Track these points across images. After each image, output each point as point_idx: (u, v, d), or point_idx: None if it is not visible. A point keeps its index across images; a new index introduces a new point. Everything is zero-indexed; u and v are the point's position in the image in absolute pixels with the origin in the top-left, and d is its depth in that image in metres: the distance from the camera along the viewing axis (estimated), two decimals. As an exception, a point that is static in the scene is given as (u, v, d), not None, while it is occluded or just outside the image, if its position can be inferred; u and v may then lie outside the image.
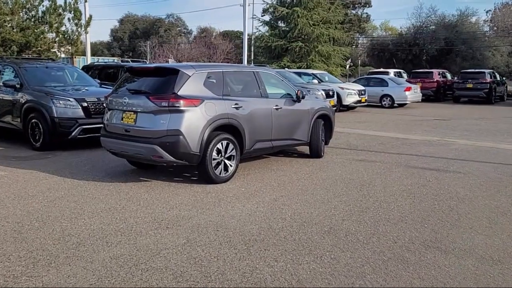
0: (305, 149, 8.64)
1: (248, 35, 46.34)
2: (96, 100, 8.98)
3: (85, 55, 20.16)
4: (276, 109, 7.27)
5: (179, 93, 5.90)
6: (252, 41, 36.10)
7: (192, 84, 6.10)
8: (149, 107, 5.91)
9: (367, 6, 56.48)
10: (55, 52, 14.96)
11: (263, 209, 5.21)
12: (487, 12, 50.29)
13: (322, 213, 5.10)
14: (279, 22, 33.85)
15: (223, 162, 6.38)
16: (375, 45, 52.54)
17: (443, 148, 9.73)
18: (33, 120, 8.88)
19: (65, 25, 13.58)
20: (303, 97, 7.76)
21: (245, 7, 22.93)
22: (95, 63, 13.86)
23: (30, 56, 12.50)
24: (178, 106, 5.83)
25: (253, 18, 34.18)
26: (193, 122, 5.93)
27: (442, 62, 43.51)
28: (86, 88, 10.04)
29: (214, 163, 6.23)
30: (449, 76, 25.82)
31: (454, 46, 43.40)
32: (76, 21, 13.56)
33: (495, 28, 48.14)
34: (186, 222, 4.75)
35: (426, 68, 35.48)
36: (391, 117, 16.76)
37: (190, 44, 52.14)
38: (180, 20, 70.13)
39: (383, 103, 20.35)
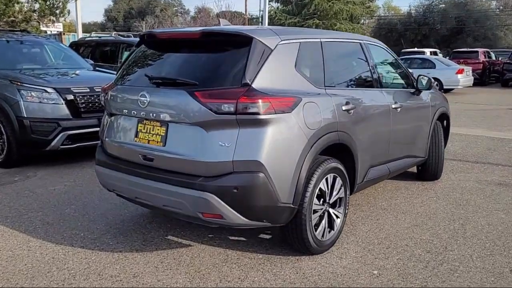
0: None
1: (249, 14, 42.69)
2: (88, 90, 5.93)
3: (75, 32, 16.79)
4: (395, 108, 4.25)
5: (254, 84, 2.87)
6: (260, 19, 32.84)
7: (276, 66, 3.07)
8: (194, 113, 2.88)
9: (373, -16, 53.02)
10: (43, 29, 11.81)
11: None
12: (493, -10, 48.38)
13: None
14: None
15: (326, 214, 3.39)
16: (382, 24, 50.20)
17: None
18: (-8, 122, 5.84)
19: (47, -10, 10.37)
20: (429, 88, 4.73)
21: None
22: (87, 39, 10.69)
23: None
24: (255, 113, 2.81)
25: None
26: (284, 144, 2.93)
27: (452, 42, 42.21)
28: (74, 72, 6.98)
29: (314, 218, 3.25)
30: (493, 56, 22.70)
31: (466, 25, 41.35)
32: (60, -16, 10.34)
33: (501, 7, 45.96)
34: None
35: (435, 48, 33.02)
36: (451, 106, 13.71)
37: (189, 24, 48.50)
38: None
39: (429, 88, 17.27)
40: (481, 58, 20.83)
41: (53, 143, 5.63)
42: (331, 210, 3.44)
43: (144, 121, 3.16)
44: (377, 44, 4.49)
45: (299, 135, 2.99)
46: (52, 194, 4.75)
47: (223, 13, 45.13)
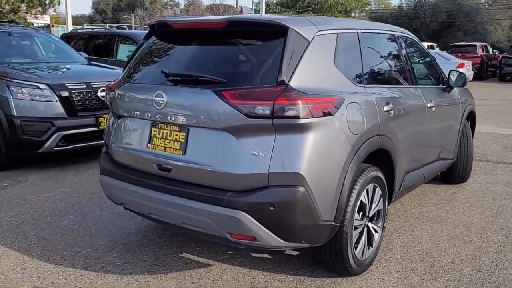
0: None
1: (240, 6, 41.89)
2: (85, 86, 5.45)
3: (64, 24, 16.05)
4: (431, 107, 3.85)
5: (292, 83, 2.43)
6: (253, 12, 32.30)
7: (315, 61, 2.64)
8: (221, 116, 2.44)
9: (364, -22, 52.78)
10: (30, 21, 11.17)
11: None
12: (483, -16, 48.75)
13: None
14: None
15: (366, 229, 2.98)
16: (374, 18, 50.31)
17: None
18: (-21, 122, 5.32)
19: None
20: (463, 85, 4.35)
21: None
22: (79, 31, 10.12)
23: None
24: (294, 116, 2.38)
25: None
26: (326, 153, 2.51)
27: (443, 36, 42.52)
28: (67, 66, 6.47)
29: (355, 235, 2.84)
30: (491, 50, 22.45)
31: (456, 19, 41.56)
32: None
33: (490, 1, 46.30)
34: None
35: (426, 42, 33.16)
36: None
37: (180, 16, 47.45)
38: (167, -8, 65.67)
39: (429, 82, 16.94)
40: (479, 52, 20.57)
41: (46, 145, 5.14)
42: (370, 225, 3.03)
43: (160, 124, 2.71)
44: (410, 36, 4.09)
45: (343, 141, 2.57)
46: (47, 202, 4.28)
47: (215, 6, 44.22)
